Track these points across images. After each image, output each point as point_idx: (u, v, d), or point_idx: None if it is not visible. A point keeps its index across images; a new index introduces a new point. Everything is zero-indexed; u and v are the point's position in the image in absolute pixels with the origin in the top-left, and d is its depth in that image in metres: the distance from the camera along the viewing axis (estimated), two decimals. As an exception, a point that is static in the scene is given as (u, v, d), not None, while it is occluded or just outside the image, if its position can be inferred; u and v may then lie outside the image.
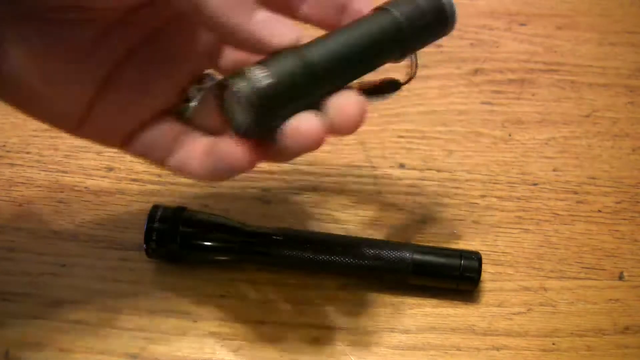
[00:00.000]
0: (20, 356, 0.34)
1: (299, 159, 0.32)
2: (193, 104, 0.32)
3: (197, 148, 0.30)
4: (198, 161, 0.30)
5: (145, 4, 0.27)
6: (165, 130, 0.30)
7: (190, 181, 0.40)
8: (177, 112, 0.31)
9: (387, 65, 0.30)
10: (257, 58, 0.29)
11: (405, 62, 0.33)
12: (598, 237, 0.38)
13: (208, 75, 0.32)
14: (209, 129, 0.31)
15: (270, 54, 0.28)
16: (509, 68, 0.46)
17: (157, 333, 0.34)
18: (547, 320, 0.35)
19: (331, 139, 0.34)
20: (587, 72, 0.46)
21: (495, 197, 0.40)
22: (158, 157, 0.31)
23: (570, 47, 0.47)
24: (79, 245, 0.37)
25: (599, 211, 0.39)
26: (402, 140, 0.42)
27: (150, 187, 0.40)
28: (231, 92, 0.28)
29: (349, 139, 0.42)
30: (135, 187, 0.40)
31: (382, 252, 0.35)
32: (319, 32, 0.30)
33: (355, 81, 0.31)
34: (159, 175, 0.40)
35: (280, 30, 0.28)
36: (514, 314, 0.35)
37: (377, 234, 0.38)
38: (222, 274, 0.36)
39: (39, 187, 0.40)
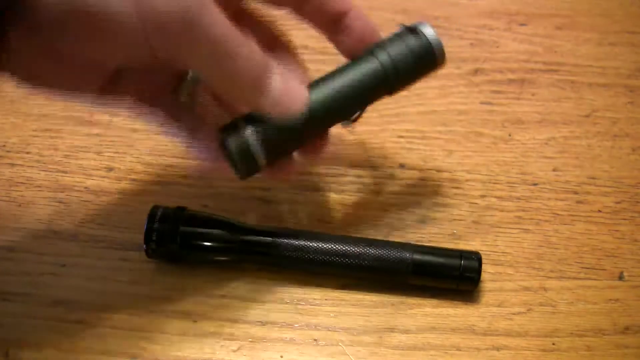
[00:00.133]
0: (20, 356, 0.34)
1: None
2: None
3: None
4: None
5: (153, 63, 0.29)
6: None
7: (190, 181, 0.40)
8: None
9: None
10: None
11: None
12: (598, 237, 0.38)
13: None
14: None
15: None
16: (509, 68, 0.46)
17: (157, 333, 0.34)
18: (547, 320, 0.35)
19: (332, 139, 0.34)
20: (587, 72, 0.46)
21: (495, 197, 0.40)
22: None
23: (570, 47, 0.47)
24: (79, 245, 0.37)
25: (599, 211, 0.39)
26: (402, 140, 0.42)
27: (150, 187, 0.40)
28: (225, 145, 0.31)
29: (349, 138, 0.42)
30: (135, 187, 0.40)
31: (382, 252, 0.35)
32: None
33: None
34: (159, 176, 0.40)
35: (290, 104, 0.31)
36: (514, 314, 0.35)
37: (377, 234, 0.38)
38: (222, 274, 0.36)
39: (39, 187, 0.40)
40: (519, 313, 0.35)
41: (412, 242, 0.37)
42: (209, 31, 0.27)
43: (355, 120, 0.34)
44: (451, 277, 0.35)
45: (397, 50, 0.33)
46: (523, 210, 0.39)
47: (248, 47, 0.29)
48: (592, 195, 0.40)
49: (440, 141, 0.42)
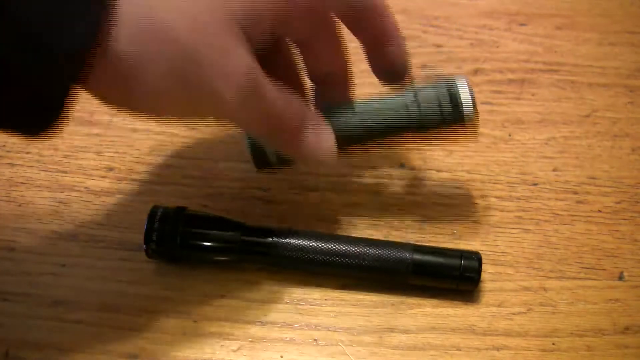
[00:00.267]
0: (20, 356, 0.34)
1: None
2: None
3: None
4: None
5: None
6: None
7: (190, 181, 0.40)
8: None
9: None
10: None
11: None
12: (598, 237, 0.38)
13: None
14: None
15: None
16: (509, 68, 0.46)
17: (157, 333, 0.34)
18: (547, 320, 0.35)
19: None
20: (587, 72, 0.46)
21: (495, 197, 0.40)
22: None
23: (570, 47, 0.47)
24: (79, 245, 0.37)
25: (599, 211, 0.39)
26: (402, 140, 0.42)
27: (150, 187, 0.40)
28: (245, 137, 0.35)
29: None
30: (135, 187, 0.40)
31: (382, 252, 0.35)
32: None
33: None
34: (159, 176, 0.40)
35: (319, 156, 0.33)
36: (514, 314, 0.35)
37: (377, 234, 0.38)
38: (222, 274, 0.36)
39: (39, 187, 0.40)
40: (519, 313, 0.35)
41: (412, 242, 0.37)
42: (261, 103, 0.30)
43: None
44: (451, 277, 0.35)
45: (428, 108, 0.34)
46: (523, 210, 0.39)
47: (290, 106, 0.32)
48: (592, 195, 0.40)
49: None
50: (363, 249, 0.35)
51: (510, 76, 0.46)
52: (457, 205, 0.39)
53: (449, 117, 0.34)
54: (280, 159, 0.35)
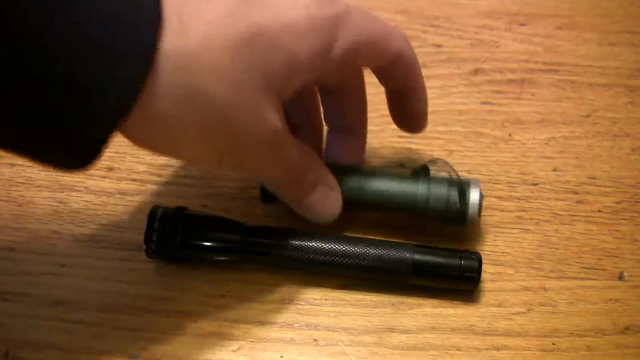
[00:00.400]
0: (20, 356, 0.34)
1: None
2: None
3: None
4: None
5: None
6: None
7: (190, 181, 0.40)
8: None
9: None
10: None
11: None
12: (598, 237, 0.38)
13: None
14: None
15: None
16: (509, 68, 0.46)
17: (157, 333, 0.34)
18: (547, 320, 0.35)
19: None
20: (587, 72, 0.46)
21: (495, 197, 0.40)
22: None
23: (570, 47, 0.47)
24: (79, 245, 0.37)
25: (599, 211, 0.39)
26: (402, 140, 0.42)
27: (150, 187, 0.40)
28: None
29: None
30: (135, 187, 0.40)
31: (382, 252, 0.35)
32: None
33: None
34: (159, 176, 0.40)
35: (323, 215, 0.35)
36: (514, 314, 0.35)
37: (377, 234, 0.38)
38: (222, 274, 0.36)
39: (39, 187, 0.40)
40: (519, 313, 0.35)
41: (412, 242, 0.37)
42: (280, 161, 0.32)
43: None
44: (451, 277, 0.35)
45: (436, 206, 0.36)
46: (523, 210, 0.39)
47: (306, 167, 0.33)
48: (592, 195, 0.40)
49: (440, 141, 0.42)
50: (363, 249, 0.35)
51: (510, 76, 0.46)
52: (457, 205, 0.39)
53: (452, 219, 0.36)
54: None
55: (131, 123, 0.27)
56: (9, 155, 0.27)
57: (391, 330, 0.35)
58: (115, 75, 0.25)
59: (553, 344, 0.34)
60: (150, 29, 0.25)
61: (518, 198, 0.40)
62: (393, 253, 0.35)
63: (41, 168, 0.40)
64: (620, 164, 0.41)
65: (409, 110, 0.37)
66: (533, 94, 0.45)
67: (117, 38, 0.25)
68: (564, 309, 0.36)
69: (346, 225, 0.38)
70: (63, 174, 0.40)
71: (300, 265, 0.35)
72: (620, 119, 0.43)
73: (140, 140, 0.29)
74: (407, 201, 0.36)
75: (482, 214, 0.39)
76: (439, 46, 0.47)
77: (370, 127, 0.40)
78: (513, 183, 0.40)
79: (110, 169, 0.40)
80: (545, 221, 0.39)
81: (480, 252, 0.36)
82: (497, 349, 0.34)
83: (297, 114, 0.36)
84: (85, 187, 0.40)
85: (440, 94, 0.44)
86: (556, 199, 0.40)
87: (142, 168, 0.40)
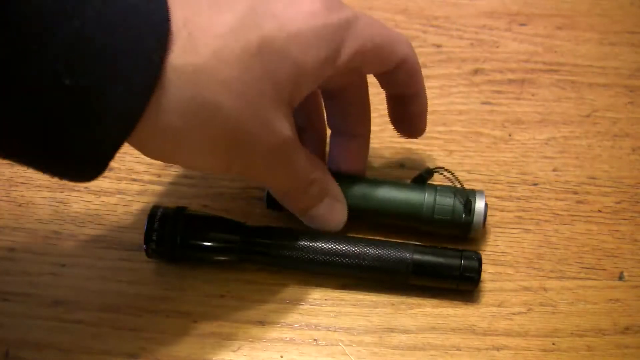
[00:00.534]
0: (20, 356, 0.34)
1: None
2: None
3: None
4: None
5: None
6: None
7: (190, 181, 0.40)
8: None
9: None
10: None
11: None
12: (598, 237, 0.38)
13: None
14: None
15: None
16: (509, 68, 0.46)
17: (157, 333, 0.34)
18: (547, 320, 0.35)
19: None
20: (587, 72, 0.46)
21: (495, 197, 0.40)
22: None
23: (570, 47, 0.47)
24: (79, 245, 0.37)
25: (599, 211, 0.39)
26: (402, 140, 0.42)
27: (150, 187, 0.40)
28: None
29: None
30: (135, 187, 0.40)
31: (382, 252, 0.35)
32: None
33: None
34: (159, 176, 0.40)
35: (328, 225, 0.35)
36: (514, 314, 0.35)
37: (377, 234, 0.38)
38: (222, 274, 0.36)
39: (39, 187, 0.40)
40: (519, 313, 0.35)
41: (412, 242, 0.37)
42: (288, 172, 0.32)
43: None
44: (451, 277, 0.35)
45: (441, 216, 0.36)
46: (523, 210, 0.39)
47: (313, 179, 0.34)
48: (592, 195, 0.40)
49: (440, 141, 0.42)
50: (363, 249, 0.35)
51: (510, 76, 0.46)
52: (457, 205, 0.39)
53: (457, 228, 0.36)
54: None
55: (139, 136, 0.27)
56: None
57: (391, 330, 0.35)
58: (122, 90, 0.25)
59: (553, 344, 0.34)
60: (159, 44, 0.26)
61: (518, 198, 0.40)
62: (393, 253, 0.35)
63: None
64: (620, 164, 0.41)
65: (409, 115, 0.37)
66: (533, 94, 0.45)
67: (124, 53, 0.25)
68: (564, 309, 0.36)
69: (346, 224, 0.38)
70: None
71: (300, 265, 0.35)
72: (620, 119, 0.43)
73: (149, 152, 0.29)
74: (413, 210, 0.36)
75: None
76: (439, 46, 0.47)
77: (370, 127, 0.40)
78: (513, 183, 0.40)
79: (110, 169, 0.40)
80: (546, 221, 0.39)
81: (480, 252, 0.36)
82: (497, 349, 0.34)
83: (300, 117, 0.36)
84: (85, 187, 0.40)
85: (440, 94, 0.44)
86: (556, 199, 0.40)
87: (142, 168, 0.40)
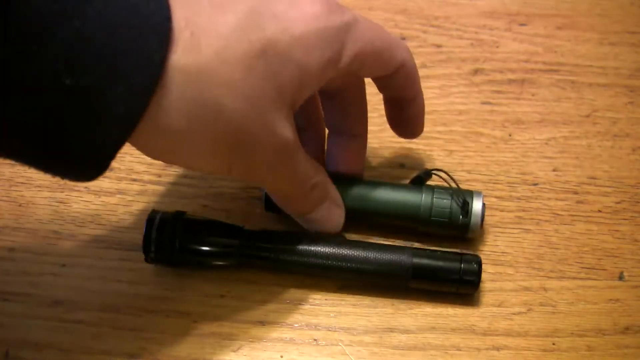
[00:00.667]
0: (20, 356, 0.34)
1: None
2: None
3: None
4: None
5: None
6: None
7: (190, 181, 0.40)
8: None
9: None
10: None
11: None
12: (598, 237, 0.38)
13: None
14: None
15: None
16: (509, 68, 0.46)
17: (157, 333, 0.34)
18: (547, 320, 0.35)
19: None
20: (587, 72, 0.46)
21: (495, 197, 0.40)
22: None
23: (570, 47, 0.47)
24: (79, 245, 0.37)
25: (599, 211, 0.39)
26: (402, 140, 0.42)
27: (150, 187, 0.40)
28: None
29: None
30: (135, 187, 0.40)
31: (381, 256, 0.35)
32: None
33: None
34: (159, 176, 0.40)
35: (326, 227, 0.35)
36: (514, 314, 0.35)
37: (375, 235, 0.38)
38: (222, 274, 0.36)
39: (39, 187, 0.40)
40: (519, 313, 0.35)
41: (412, 245, 0.37)
42: (289, 175, 0.32)
43: None
44: (451, 280, 0.35)
45: (438, 217, 0.36)
46: (523, 210, 0.39)
47: (314, 183, 0.34)
48: (592, 195, 0.40)
49: (440, 141, 0.42)
50: (362, 253, 0.35)
51: (510, 76, 0.46)
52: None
53: (454, 230, 0.36)
54: None
55: (140, 136, 0.27)
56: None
57: (391, 330, 0.35)
58: (123, 90, 0.25)
59: (553, 344, 0.34)
60: (160, 44, 0.25)
61: (518, 198, 0.40)
62: (393, 257, 0.35)
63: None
64: (620, 164, 0.41)
65: (406, 118, 0.37)
66: (533, 94, 0.45)
67: (125, 53, 0.25)
68: (564, 309, 0.36)
69: (346, 224, 0.38)
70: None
71: (299, 269, 0.35)
72: (620, 119, 0.43)
73: (150, 152, 0.29)
74: (410, 211, 0.36)
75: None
76: (439, 46, 0.47)
77: (370, 127, 0.40)
78: (513, 183, 0.40)
79: (110, 169, 0.40)
80: (546, 221, 0.39)
81: (480, 252, 0.36)
82: (497, 349, 0.34)
83: (300, 118, 0.36)
84: (85, 187, 0.40)
85: (440, 94, 0.44)
86: (556, 199, 0.40)
87: (142, 168, 0.40)
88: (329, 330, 0.35)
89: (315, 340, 0.35)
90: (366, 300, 0.36)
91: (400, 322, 0.35)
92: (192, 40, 0.26)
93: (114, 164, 0.40)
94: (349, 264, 0.35)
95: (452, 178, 0.36)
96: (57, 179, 0.40)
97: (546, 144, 0.42)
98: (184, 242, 0.34)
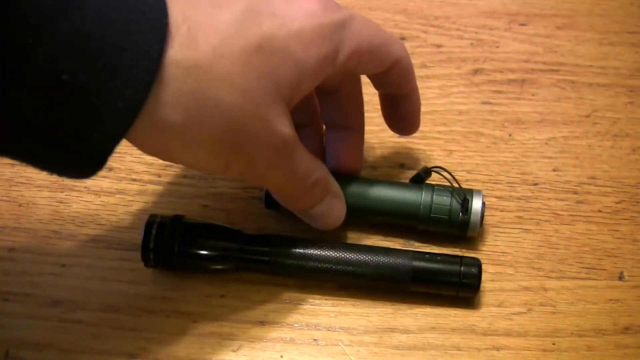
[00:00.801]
0: (20, 356, 0.34)
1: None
2: None
3: None
4: None
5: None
6: None
7: (190, 181, 0.40)
8: None
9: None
10: None
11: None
12: (598, 237, 0.38)
13: None
14: None
15: None
16: (509, 68, 0.46)
17: (157, 333, 0.34)
18: (547, 320, 0.35)
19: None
20: (587, 72, 0.46)
21: (495, 197, 0.40)
22: None
23: (570, 47, 0.47)
24: (79, 245, 0.37)
25: (599, 211, 0.39)
26: (402, 140, 0.42)
27: (150, 187, 0.40)
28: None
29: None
30: (135, 187, 0.40)
31: (381, 260, 0.35)
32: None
33: None
34: (159, 176, 0.40)
35: (327, 223, 0.35)
36: (514, 314, 0.35)
37: (375, 234, 0.38)
38: (222, 274, 0.36)
39: (39, 187, 0.40)
40: (519, 313, 0.35)
41: (412, 246, 0.37)
42: (288, 172, 0.32)
43: None
44: (451, 283, 0.34)
45: (438, 215, 0.36)
46: (523, 210, 0.39)
47: (314, 179, 0.33)
48: (592, 195, 0.40)
49: (440, 141, 0.42)
50: (362, 257, 0.35)
51: (510, 76, 0.46)
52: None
53: (454, 228, 0.36)
54: None
55: (138, 131, 0.27)
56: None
57: (391, 330, 0.35)
58: (119, 86, 0.25)
59: (553, 344, 0.34)
60: (157, 39, 0.26)
61: (518, 198, 0.40)
62: (392, 260, 0.35)
63: (41, 168, 0.40)
64: (620, 164, 0.41)
65: (402, 114, 0.37)
66: (533, 94, 0.45)
67: (122, 48, 0.25)
68: (564, 309, 0.36)
69: (346, 224, 0.38)
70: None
71: (298, 273, 0.35)
72: (620, 119, 0.43)
73: (148, 148, 0.29)
74: (410, 209, 0.36)
75: (482, 214, 0.39)
76: (439, 46, 0.47)
77: (370, 127, 0.40)
78: (513, 183, 0.40)
79: (110, 169, 0.40)
80: (546, 221, 0.39)
81: (480, 252, 0.36)
82: (497, 349, 0.34)
83: (297, 114, 0.36)
84: (85, 187, 0.40)
85: (440, 94, 0.44)
86: (556, 199, 0.40)
87: (142, 168, 0.40)
88: (329, 330, 0.35)
89: (315, 340, 0.35)
90: (366, 300, 0.36)
91: (401, 322, 0.35)
92: (189, 35, 0.26)
93: (114, 164, 0.40)
94: (348, 268, 0.35)
95: (451, 175, 0.36)
96: (57, 179, 0.40)
97: (546, 144, 0.42)
98: (182, 247, 0.34)
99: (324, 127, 0.38)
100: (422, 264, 0.35)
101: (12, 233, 0.38)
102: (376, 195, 0.36)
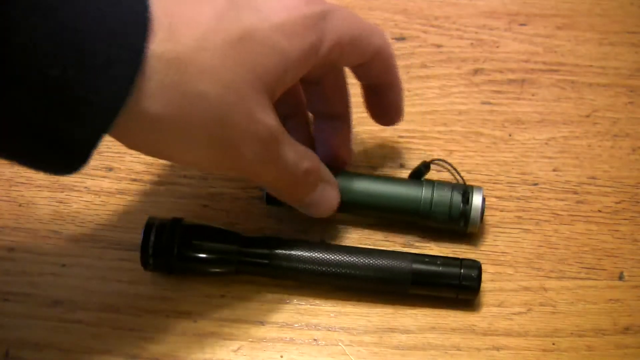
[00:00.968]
0: (20, 356, 0.34)
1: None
2: None
3: None
4: None
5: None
6: None
7: (190, 181, 0.40)
8: None
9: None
10: None
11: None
12: (598, 237, 0.38)
13: None
14: None
15: None
16: (509, 68, 0.46)
17: (157, 333, 0.34)
18: (547, 320, 0.35)
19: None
20: (587, 72, 0.46)
21: (495, 197, 0.40)
22: None
23: (570, 47, 0.47)
24: (79, 245, 0.37)
25: (599, 211, 0.39)
26: (402, 140, 0.42)
27: (150, 187, 0.40)
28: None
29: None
30: (135, 187, 0.40)
31: (381, 263, 0.35)
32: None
33: None
34: (159, 176, 0.40)
35: (321, 211, 0.35)
36: (514, 314, 0.35)
37: (377, 234, 0.38)
38: (222, 276, 0.36)
39: (39, 187, 0.40)
40: (519, 313, 0.35)
41: (412, 251, 0.37)
42: (278, 164, 0.32)
43: None
44: (451, 286, 0.34)
45: (438, 210, 0.36)
46: (523, 210, 0.39)
47: (305, 168, 0.33)
48: (592, 195, 0.40)
49: (440, 141, 0.42)
50: (362, 260, 0.35)
51: (510, 76, 0.46)
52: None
53: (454, 223, 0.36)
54: None
55: (122, 126, 0.27)
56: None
57: (391, 330, 0.35)
58: (104, 79, 0.25)
59: (553, 344, 0.34)
60: (140, 33, 0.26)
61: (518, 198, 0.40)
62: (392, 263, 0.35)
63: (41, 168, 0.40)
64: (620, 164, 0.41)
65: (386, 105, 0.37)
66: (533, 94, 0.45)
67: (105, 42, 0.25)
68: (564, 309, 0.36)
69: (345, 224, 0.38)
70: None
71: (297, 275, 0.35)
72: (620, 119, 0.43)
73: (134, 144, 0.29)
74: (411, 205, 0.36)
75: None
76: (439, 46, 0.47)
77: (370, 127, 0.40)
78: (513, 183, 0.40)
79: (110, 169, 0.40)
80: (545, 221, 0.39)
81: (480, 252, 0.36)
82: (497, 349, 0.34)
83: (282, 106, 0.35)
84: (85, 187, 0.40)
85: (440, 94, 0.44)
86: (556, 199, 0.40)
87: (142, 168, 0.40)
88: (329, 330, 0.35)
89: (315, 340, 0.35)
90: (366, 300, 0.36)
91: (401, 322, 0.35)
92: (171, 29, 0.27)
93: (114, 164, 0.40)
94: (348, 270, 0.35)
95: (453, 167, 0.36)
96: (57, 179, 0.40)
97: (546, 144, 0.42)
98: (181, 250, 0.34)
99: (312, 117, 0.38)
100: (422, 266, 0.35)
101: (12, 233, 0.38)
102: (376, 191, 0.36)
